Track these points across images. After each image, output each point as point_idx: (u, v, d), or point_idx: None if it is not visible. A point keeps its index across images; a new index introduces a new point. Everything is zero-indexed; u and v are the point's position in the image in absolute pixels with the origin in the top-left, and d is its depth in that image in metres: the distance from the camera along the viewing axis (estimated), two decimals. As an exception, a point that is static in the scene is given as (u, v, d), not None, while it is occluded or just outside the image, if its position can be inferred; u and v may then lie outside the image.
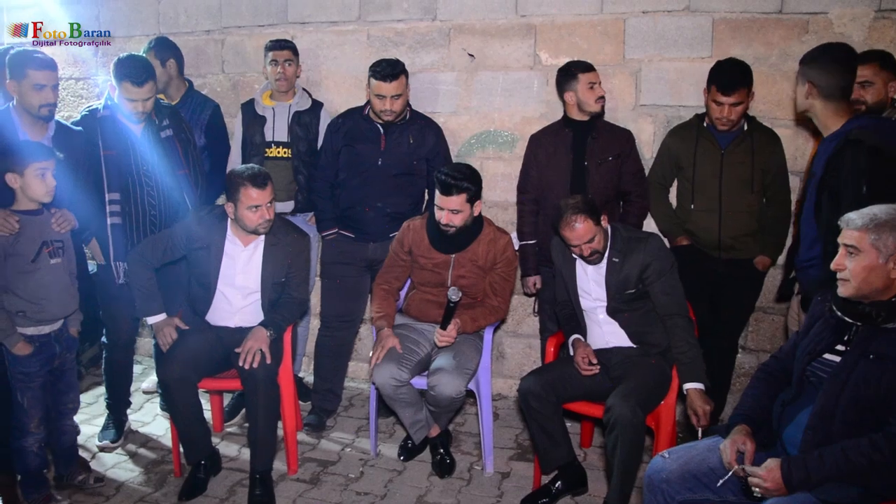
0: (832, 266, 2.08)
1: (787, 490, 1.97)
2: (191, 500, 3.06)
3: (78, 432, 3.18)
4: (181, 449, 3.17)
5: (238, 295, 3.17)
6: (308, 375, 4.20)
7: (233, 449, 3.50)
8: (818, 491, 1.95)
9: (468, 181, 3.05)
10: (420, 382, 3.17)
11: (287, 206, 3.78)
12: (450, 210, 3.06)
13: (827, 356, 2.12)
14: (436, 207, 3.12)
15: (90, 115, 3.29)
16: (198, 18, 4.39)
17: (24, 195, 2.75)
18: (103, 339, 3.55)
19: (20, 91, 2.95)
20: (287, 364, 3.23)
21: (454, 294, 3.04)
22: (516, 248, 3.53)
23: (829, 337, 2.13)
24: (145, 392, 4.11)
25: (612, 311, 3.00)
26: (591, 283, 3.02)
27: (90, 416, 3.74)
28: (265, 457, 3.05)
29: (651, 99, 3.71)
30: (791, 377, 2.25)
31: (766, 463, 2.01)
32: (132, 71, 3.13)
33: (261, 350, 2.98)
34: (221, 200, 3.21)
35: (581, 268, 3.05)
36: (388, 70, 3.40)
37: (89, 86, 4.70)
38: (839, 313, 2.12)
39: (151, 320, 3.18)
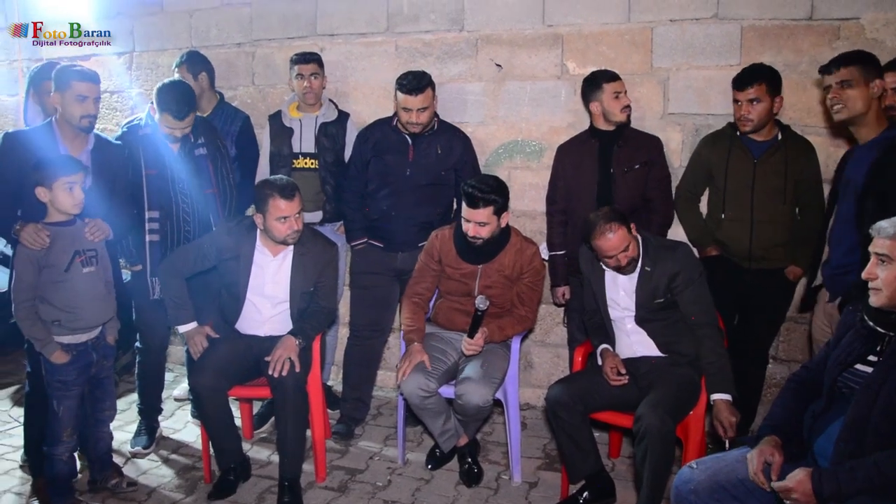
0: (863, 275, 2.05)
1: (818, 502, 1.94)
2: (220, 500, 3.10)
3: (112, 438, 3.23)
4: (211, 454, 3.21)
5: (267, 304, 3.21)
6: (337, 384, 4.23)
7: (262, 456, 3.53)
8: (850, 504, 1.92)
9: (495, 193, 3.06)
10: (448, 391, 3.18)
11: (315, 217, 3.81)
12: (477, 223, 3.07)
13: (859, 367, 2.09)
14: (463, 220, 3.13)
15: (132, 130, 3.38)
16: (229, 32, 4.47)
17: (54, 208, 2.82)
18: (137, 344, 3.61)
19: (63, 102, 3.02)
20: (316, 372, 3.26)
21: (482, 303, 3.04)
22: (545, 257, 3.54)
23: (860, 347, 2.10)
24: (177, 399, 4.17)
25: (640, 321, 2.99)
26: (619, 293, 3.01)
27: (123, 423, 3.80)
28: (294, 464, 3.07)
29: (679, 107, 3.70)
30: (822, 388, 2.22)
31: (795, 473, 1.98)
32: (173, 105, 3.21)
33: (290, 359, 3.00)
34: (251, 211, 3.25)
35: (610, 277, 3.04)
36: (414, 84, 3.42)
37: (123, 99, 4.80)
38: (871, 323, 2.08)
39: (183, 329, 3.22)
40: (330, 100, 3.95)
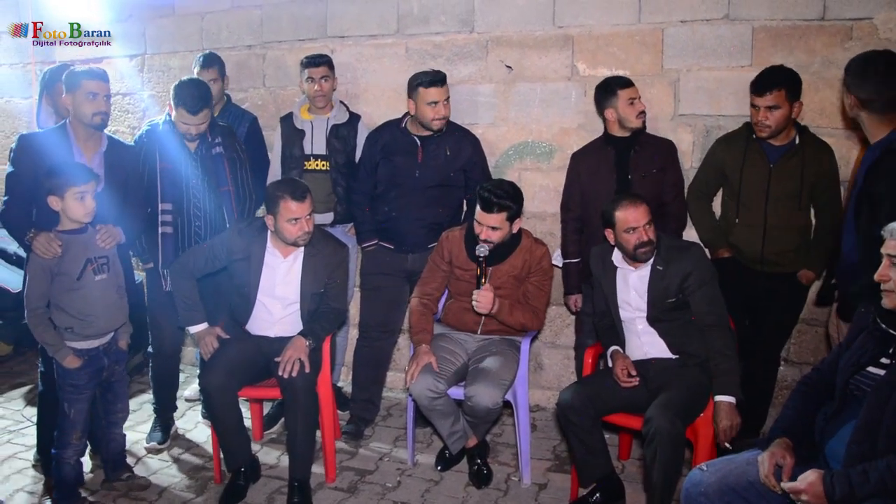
0: (876, 277, 2.03)
1: (829, 504, 1.93)
2: (230, 504, 3.11)
3: (125, 439, 3.25)
4: (221, 456, 3.22)
5: (278, 305, 3.22)
6: (346, 385, 4.23)
7: (272, 456, 3.54)
8: (861, 507, 1.91)
9: (510, 199, 3.06)
10: (457, 393, 3.18)
11: (326, 218, 3.82)
12: (489, 227, 3.07)
13: (871, 369, 2.08)
14: (475, 222, 3.13)
15: (153, 129, 3.44)
16: (239, 34, 4.49)
17: (66, 216, 2.85)
18: (149, 348, 3.64)
19: (74, 102, 3.06)
20: (326, 373, 3.27)
21: (482, 250, 3.05)
22: (559, 264, 3.56)
23: (872, 349, 2.09)
24: (187, 400, 4.19)
25: (652, 320, 2.98)
26: (631, 293, 3.00)
27: (134, 423, 3.81)
28: (303, 465, 3.08)
29: (690, 108, 3.68)
30: (833, 390, 2.20)
31: (806, 475, 1.97)
32: (188, 100, 3.26)
33: (300, 359, 3.01)
34: (261, 212, 3.26)
35: (621, 278, 3.03)
36: (436, 76, 3.46)
37: (135, 101, 4.83)
38: (883, 325, 2.07)
39: (193, 329, 3.24)
40: (341, 101, 3.96)
